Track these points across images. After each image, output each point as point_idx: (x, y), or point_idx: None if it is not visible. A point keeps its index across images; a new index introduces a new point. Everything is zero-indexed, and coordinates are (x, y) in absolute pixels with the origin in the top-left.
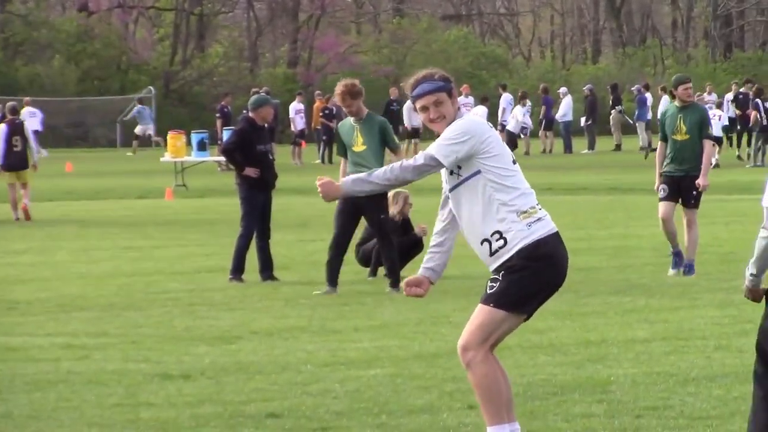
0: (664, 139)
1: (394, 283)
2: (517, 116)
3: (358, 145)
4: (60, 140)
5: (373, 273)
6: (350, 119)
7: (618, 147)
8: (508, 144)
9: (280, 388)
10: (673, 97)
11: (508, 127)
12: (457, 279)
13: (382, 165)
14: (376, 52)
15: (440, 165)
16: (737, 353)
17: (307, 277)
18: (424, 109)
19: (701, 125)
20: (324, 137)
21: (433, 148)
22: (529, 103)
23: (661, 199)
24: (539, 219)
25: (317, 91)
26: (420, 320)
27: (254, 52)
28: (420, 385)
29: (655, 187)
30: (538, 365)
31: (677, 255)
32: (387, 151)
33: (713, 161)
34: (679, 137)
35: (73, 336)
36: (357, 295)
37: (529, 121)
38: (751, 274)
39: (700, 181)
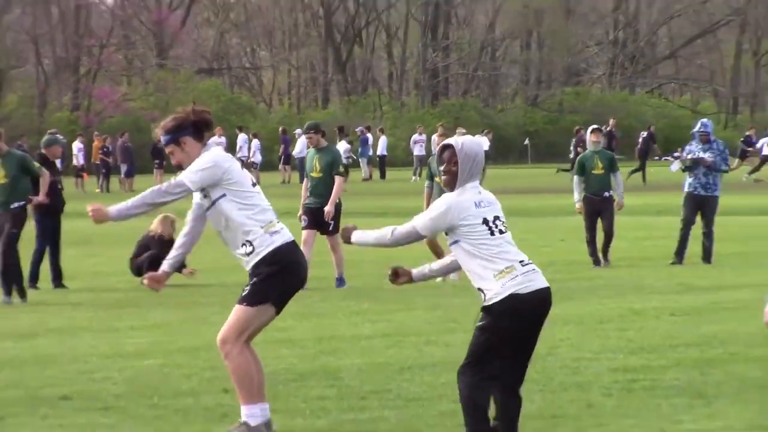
0: (307, 176)
1: (7, 293)
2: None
3: (1, 178)
4: None
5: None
6: None
7: None
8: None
9: (70, 376)
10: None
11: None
12: (216, 287)
13: (16, 199)
14: (144, 99)
15: (188, 189)
16: (444, 346)
17: (90, 285)
18: (171, 153)
19: (332, 164)
20: (103, 170)
21: (184, 175)
22: (257, 141)
23: (303, 228)
24: (278, 231)
25: (96, 132)
26: (184, 320)
27: (43, 99)
28: (184, 373)
29: (299, 215)
30: (281, 357)
31: (339, 280)
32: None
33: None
34: (314, 174)
35: None
36: (132, 300)
37: (259, 157)
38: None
39: (327, 208)
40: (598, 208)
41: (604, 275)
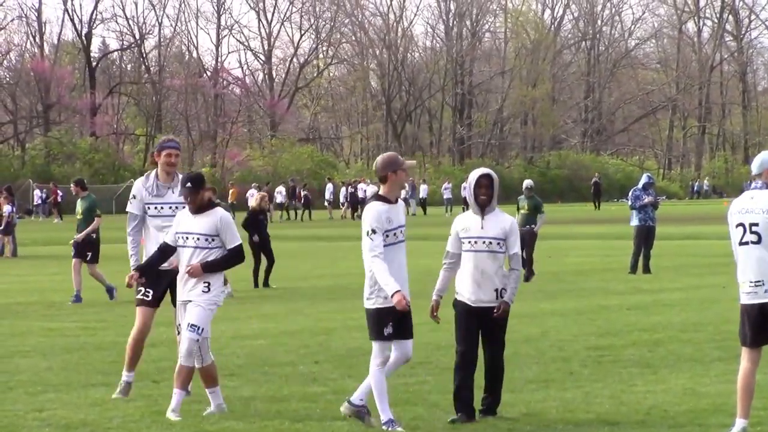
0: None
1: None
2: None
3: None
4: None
5: (255, 284)
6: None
7: None
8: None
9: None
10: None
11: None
12: (306, 289)
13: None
14: (260, 159)
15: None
16: None
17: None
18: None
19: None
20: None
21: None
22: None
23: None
24: None
25: (230, 182)
26: (285, 312)
27: (191, 158)
28: (285, 349)
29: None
30: (354, 338)
31: (109, 291)
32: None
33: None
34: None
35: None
36: (249, 298)
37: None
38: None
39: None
40: (523, 236)
41: (580, 281)
